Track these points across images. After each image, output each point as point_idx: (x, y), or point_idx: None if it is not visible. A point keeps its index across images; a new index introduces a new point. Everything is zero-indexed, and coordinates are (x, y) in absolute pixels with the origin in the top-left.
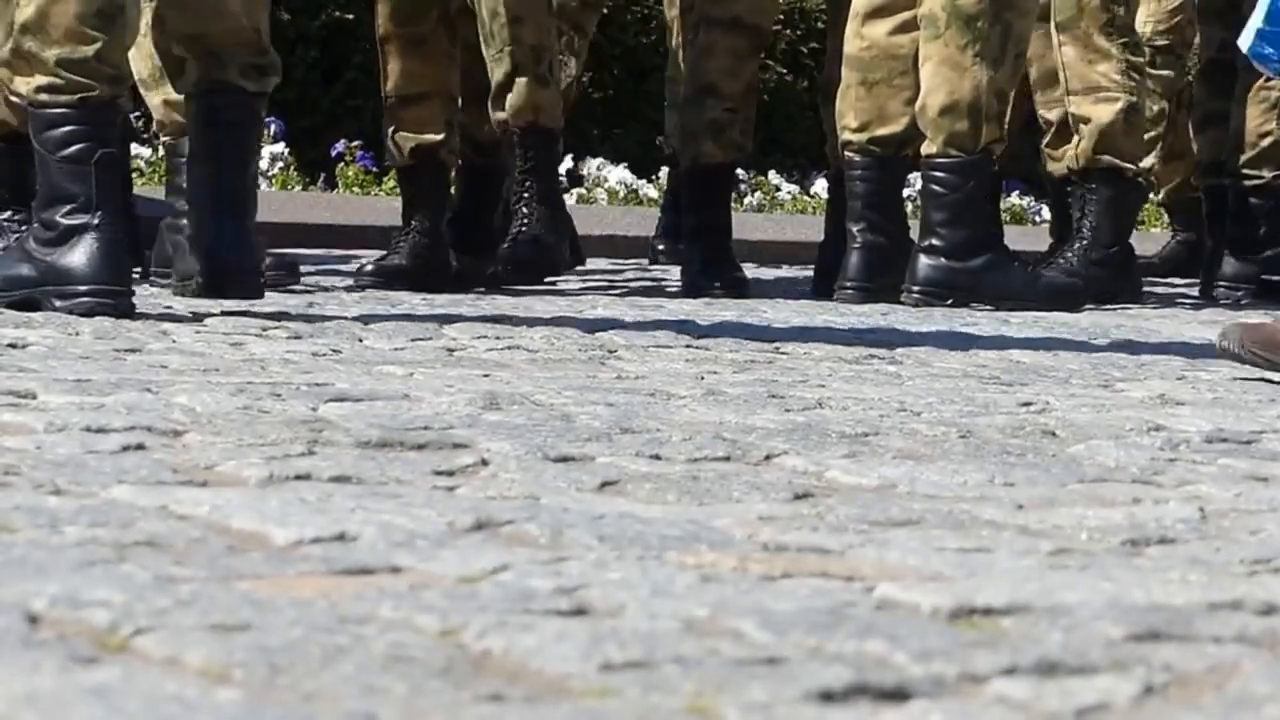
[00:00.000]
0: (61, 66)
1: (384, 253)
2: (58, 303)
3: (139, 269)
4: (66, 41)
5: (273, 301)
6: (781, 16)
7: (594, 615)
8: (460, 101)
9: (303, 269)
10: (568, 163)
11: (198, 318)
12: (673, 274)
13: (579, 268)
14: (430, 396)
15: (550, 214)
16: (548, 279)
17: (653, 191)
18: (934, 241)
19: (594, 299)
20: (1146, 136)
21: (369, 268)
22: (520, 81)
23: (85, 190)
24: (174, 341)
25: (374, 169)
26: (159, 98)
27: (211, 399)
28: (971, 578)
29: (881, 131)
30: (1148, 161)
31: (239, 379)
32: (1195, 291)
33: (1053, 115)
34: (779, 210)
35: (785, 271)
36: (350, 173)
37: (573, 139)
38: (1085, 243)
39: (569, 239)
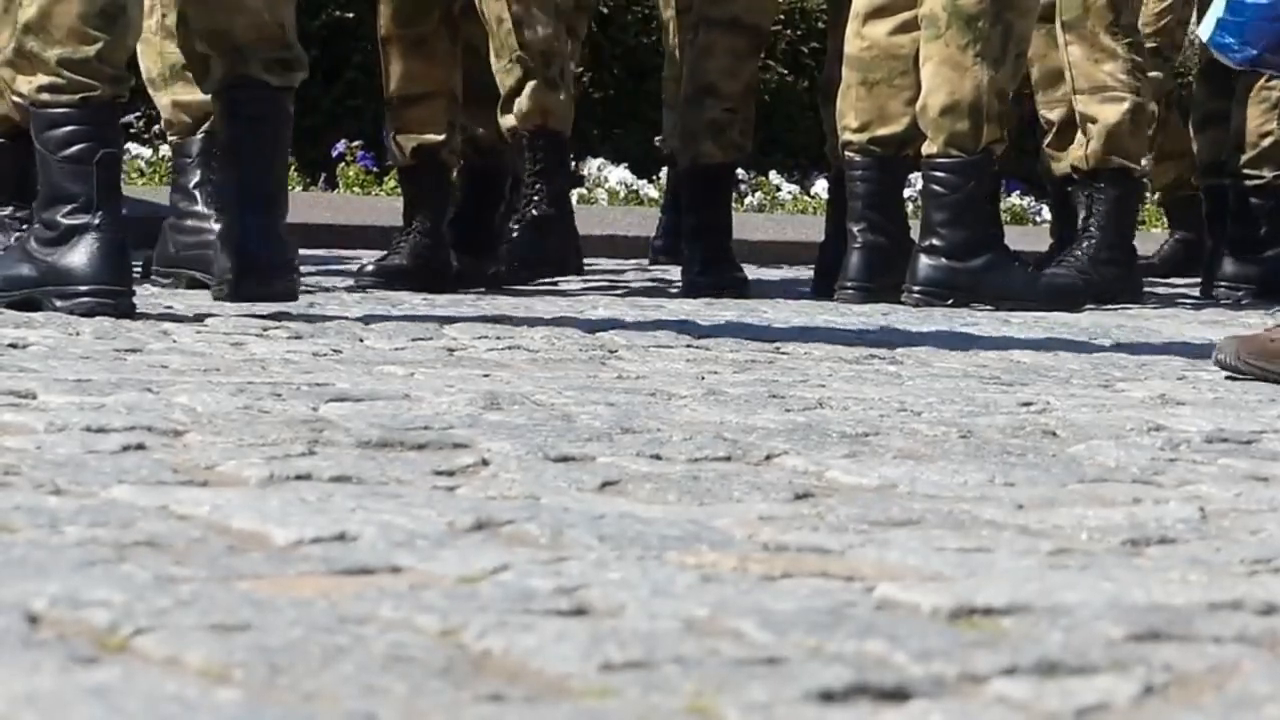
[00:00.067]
0: (63, 66)
1: (385, 253)
2: (58, 303)
3: (137, 269)
4: (68, 41)
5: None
6: (781, 16)
7: (594, 615)
8: (462, 102)
9: (303, 269)
10: None
11: (198, 318)
12: (673, 274)
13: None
14: (431, 396)
15: (559, 217)
16: (550, 279)
17: (653, 191)
18: (934, 241)
19: (594, 299)
20: None
21: (370, 268)
22: (530, 85)
23: (86, 190)
24: (174, 341)
25: (374, 169)
26: (167, 98)
27: (212, 399)
28: (971, 578)
29: (882, 131)
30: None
31: (239, 379)
32: (1195, 291)
33: (1054, 115)
34: (779, 210)
35: (785, 271)
36: (351, 173)
37: (573, 139)
38: (1094, 242)
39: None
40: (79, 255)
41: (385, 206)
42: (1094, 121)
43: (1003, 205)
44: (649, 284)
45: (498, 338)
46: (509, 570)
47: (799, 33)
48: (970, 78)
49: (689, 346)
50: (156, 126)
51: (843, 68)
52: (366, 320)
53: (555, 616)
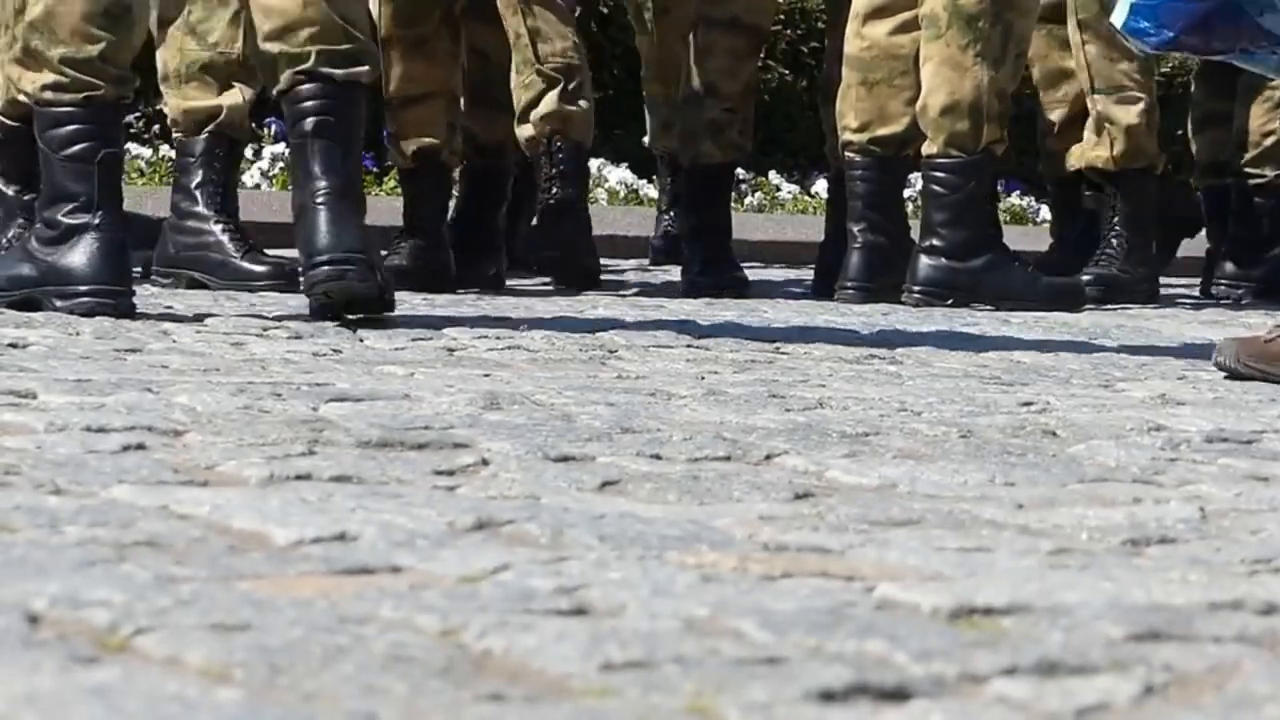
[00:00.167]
0: (66, 65)
1: (385, 253)
2: (58, 302)
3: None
4: (72, 40)
5: (273, 301)
6: (781, 16)
7: (594, 615)
8: (464, 103)
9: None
10: None
11: (198, 318)
12: (673, 274)
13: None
14: (431, 396)
15: (576, 217)
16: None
17: (653, 191)
18: (935, 242)
19: (594, 299)
20: None
21: None
22: (549, 96)
23: (88, 190)
24: (174, 341)
25: (374, 169)
26: (178, 96)
27: (212, 399)
28: (971, 578)
29: (882, 131)
30: None
31: (239, 379)
32: (1195, 291)
33: (1055, 115)
34: (779, 210)
35: (785, 271)
36: None
37: None
38: (1125, 244)
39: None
40: (79, 255)
41: (385, 206)
42: (1113, 122)
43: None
44: (649, 284)
45: (497, 337)
46: (509, 570)
47: (799, 33)
48: (970, 78)
49: (689, 346)
50: (156, 126)
51: (842, 68)
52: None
53: (555, 616)
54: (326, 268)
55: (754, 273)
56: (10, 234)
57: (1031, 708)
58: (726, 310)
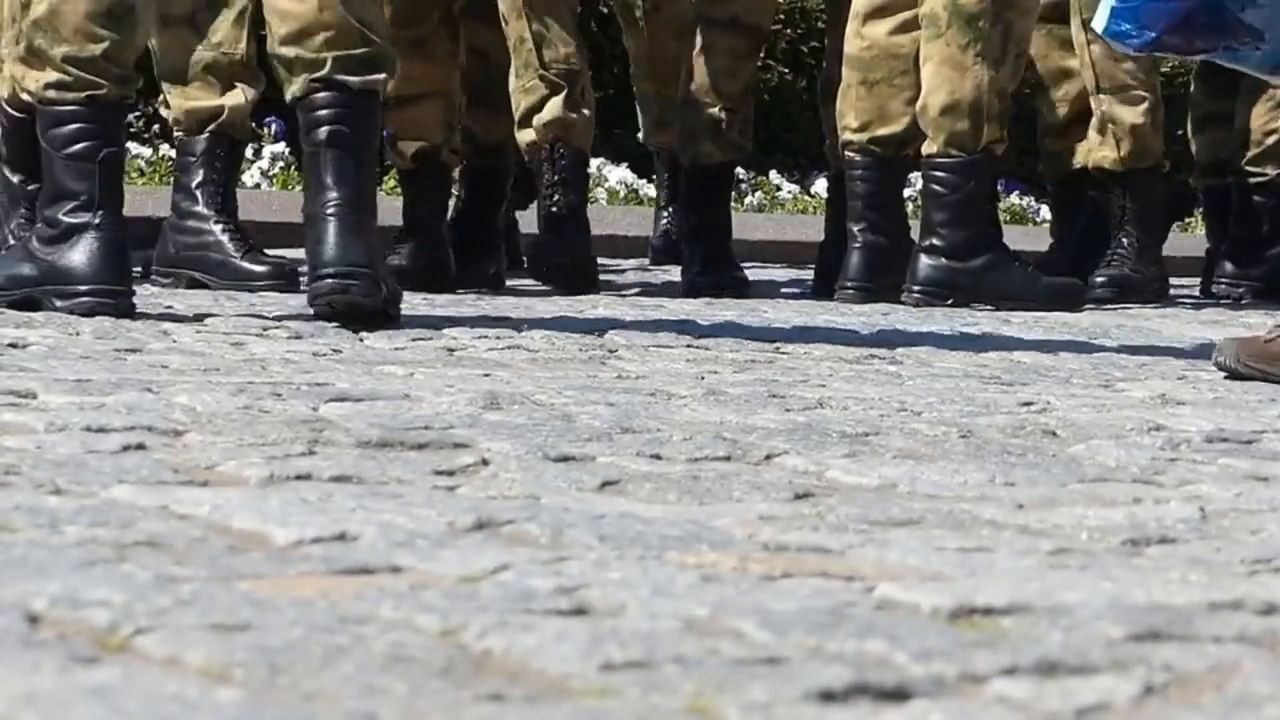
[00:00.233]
0: (69, 64)
1: (384, 252)
2: (58, 302)
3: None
4: (75, 39)
5: (273, 301)
6: (781, 16)
7: (594, 615)
8: (465, 103)
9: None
10: None
11: (198, 318)
12: (673, 274)
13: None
14: (431, 396)
15: (576, 224)
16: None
17: (653, 191)
18: (935, 241)
19: (594, 299)
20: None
21: None
22: (551, 103)
23: (89, 189)
24: (174, 341)
25: None
26: (180, 96)
27: (212, 399)
28: (971, 578)
29: (882, 131)
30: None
31: (239, 379)
32: (1195, 291)
33: (1056, 115)
34: (779, 210)
35: (785, 271)
36: None
37: None
38: (1136, 243)
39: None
40: (79, 255)
41: (385, 206)
42: (1118, 123)
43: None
44: (649, 284)
45: (497, 337)
46: (509, 570)
47: (799, 32)
48: (971, 77)
49: (689, 346)
50: (156, 126)
51: (842, 67)
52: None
53: (555, 616)
54: (330, 281)
55: (754, 273)
56: (13, 224)
57: (1031, 708)
58: (726, 310)
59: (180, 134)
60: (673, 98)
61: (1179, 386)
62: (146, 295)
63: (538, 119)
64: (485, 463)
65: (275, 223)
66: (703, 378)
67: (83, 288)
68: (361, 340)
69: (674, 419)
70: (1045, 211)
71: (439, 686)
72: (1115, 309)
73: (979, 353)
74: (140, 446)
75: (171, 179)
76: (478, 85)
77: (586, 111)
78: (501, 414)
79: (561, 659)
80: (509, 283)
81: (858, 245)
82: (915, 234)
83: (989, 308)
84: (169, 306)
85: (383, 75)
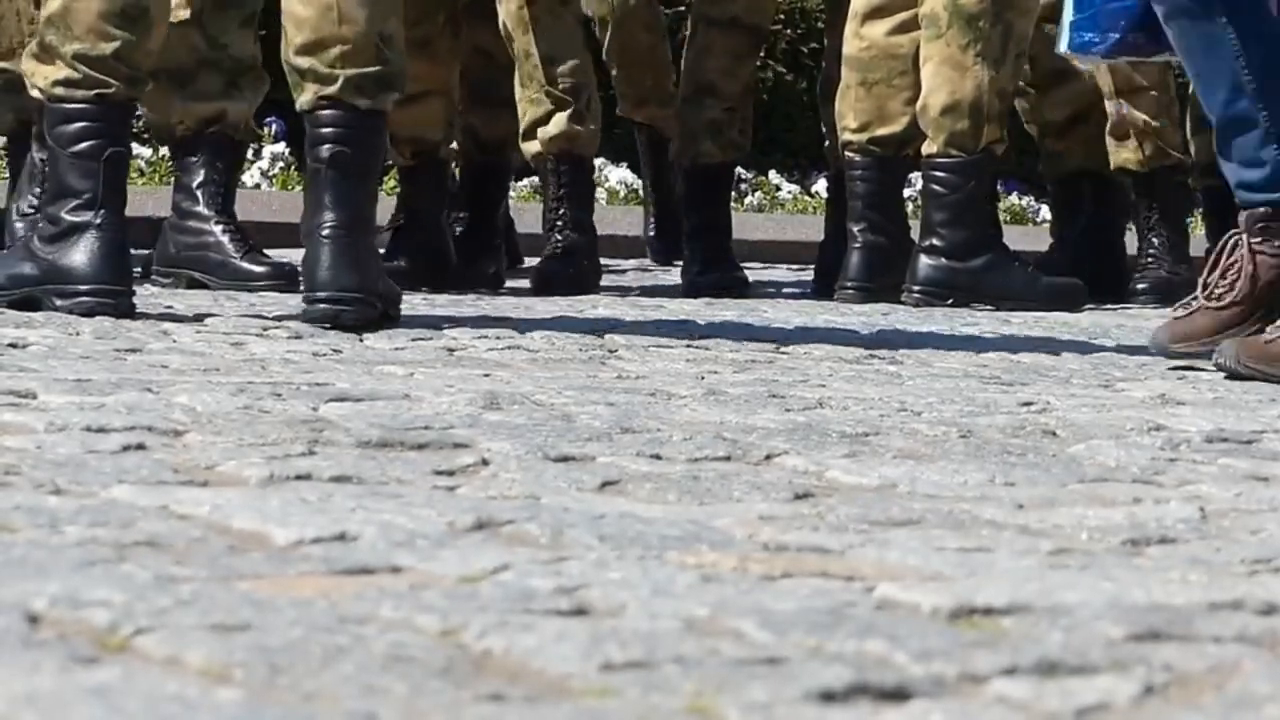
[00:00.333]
0: (79, 61)
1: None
2: (58, 302)
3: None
4: (86, 37)
5: (273, 301)
6: (781, 16)
7: (594, 615)
8: (467, 102)
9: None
10: None
11: (198, 318)
12: (673, 274)
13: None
14: (431, 396)
15: (584, 241)
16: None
17: None
18: (934, 241)
19: (594, 299)
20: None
21: None
22: (559, 117)
23: (92, 188)
24: (174, 341)
25: None
26: (182, 94)
27: (212, 399)
28: (971, 578)
29: (882, 131)
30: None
31: (239, 379)
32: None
33: (1056, 115)
34: (779, 210)
35: (785, 271)
36: None
37: None
38: (1167, 243)
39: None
40: (80, 254)
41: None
42: (1137, 124)
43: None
44: (649, 284)
45: (497, 337)
46: (509, 570)
47: (799, 32)
48: (971, 78)
49: (689, 346)
50: None
51: (841, 68)
52: None
53: (555, 616)
54: (323, 306)
55: (754, 273)
56: (23, 203)
57: (1031, 708)
58: (726, 310)
59: (182, 134)
60: (643, 80)
61: (1179, 386)
62: (146, 295)
63: (543, 132)
64: (485, 463)
65: (275, 223)
66: (703, 378)
67: (83, 287)
68: (361, 340)
69: (674, 419)
70: (1045, 211)
71: (439, 686)
72: (1115, 309)
73: (979, 353)
74: (140, 446)
75: (172, 179)
76: (481, 84)
77: (592, 125)
78: (501, 414)
79: (561, 659)
80: (508, 283)
81: (858, 245)
82: (915, 234)
83: (989, 308)
84: (169, 306)
85: (394, 95)
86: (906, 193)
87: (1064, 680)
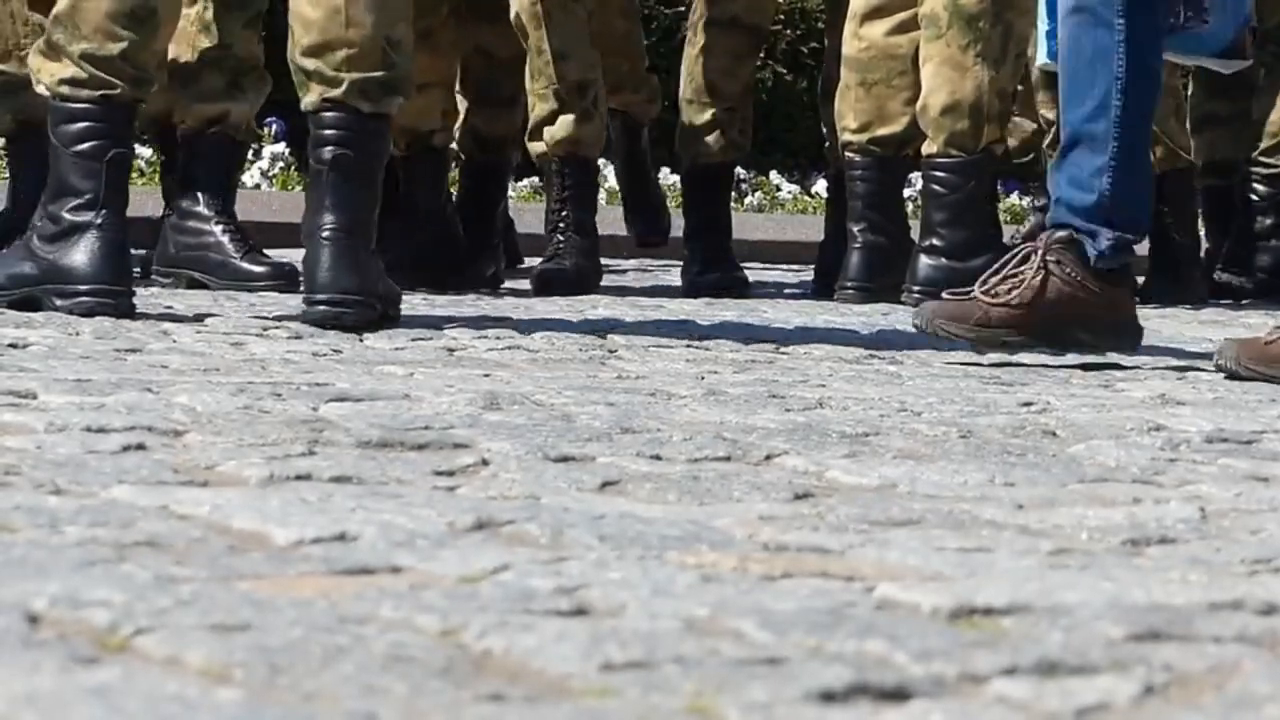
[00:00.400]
0: (86, 60)
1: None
2: (58, 302)
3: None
4: (94, 37)
5: (273, 301)
6: (781, 16)
7: (594, 615)
8: (468, 101)
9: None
10: None
11: (198, 318)
12: (673, 274)
13: None
14: (431, 396)
15: (586, 244)
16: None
17: None
18: (934, 241)
19: (594, 299)
20: None
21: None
22: (565, 118)
23: (94, 187)
24: (174, 341)
25: None
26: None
27: (212, 399)
28: (971, 578)
29: (881, 132)
30: None
31: (239, 379)
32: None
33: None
34: (779, 210)
35: (785, 272)
36: None
37: None
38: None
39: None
40: (80, 254)
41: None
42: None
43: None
44: (649, 284)
45: (497, 338)
46: (509, 570)
47: (799, 32)
48: (971, 78)
49: (689, 346)
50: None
51: (841, 68)
52: None
53: (555, 616)
54: (323, 308)
55: (754, 273)
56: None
57: (1031, 708)
58: (726, 310)
59: (184, 133)
60: (619, 66)
61: (1179, 386)
62: (146, 295)
63: (549, 133)
64: (485, 463)
65: (275, 223)
66: (703, 378)
67: (83, 287)
68: (361, 340)
69: (674, 419)
70: None
71: (439, 686)
72: None
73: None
74: (140, 446)
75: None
76: (482, 83)
77: (598, 123)
78: (501, 414)
79: (561, 659)
80: (508, 283)
81: (858, 245)
82: (915, 234)
83: None
84: (169, 306)
85: (399, 99)
86: (906, 193)
87: (1064, 680)
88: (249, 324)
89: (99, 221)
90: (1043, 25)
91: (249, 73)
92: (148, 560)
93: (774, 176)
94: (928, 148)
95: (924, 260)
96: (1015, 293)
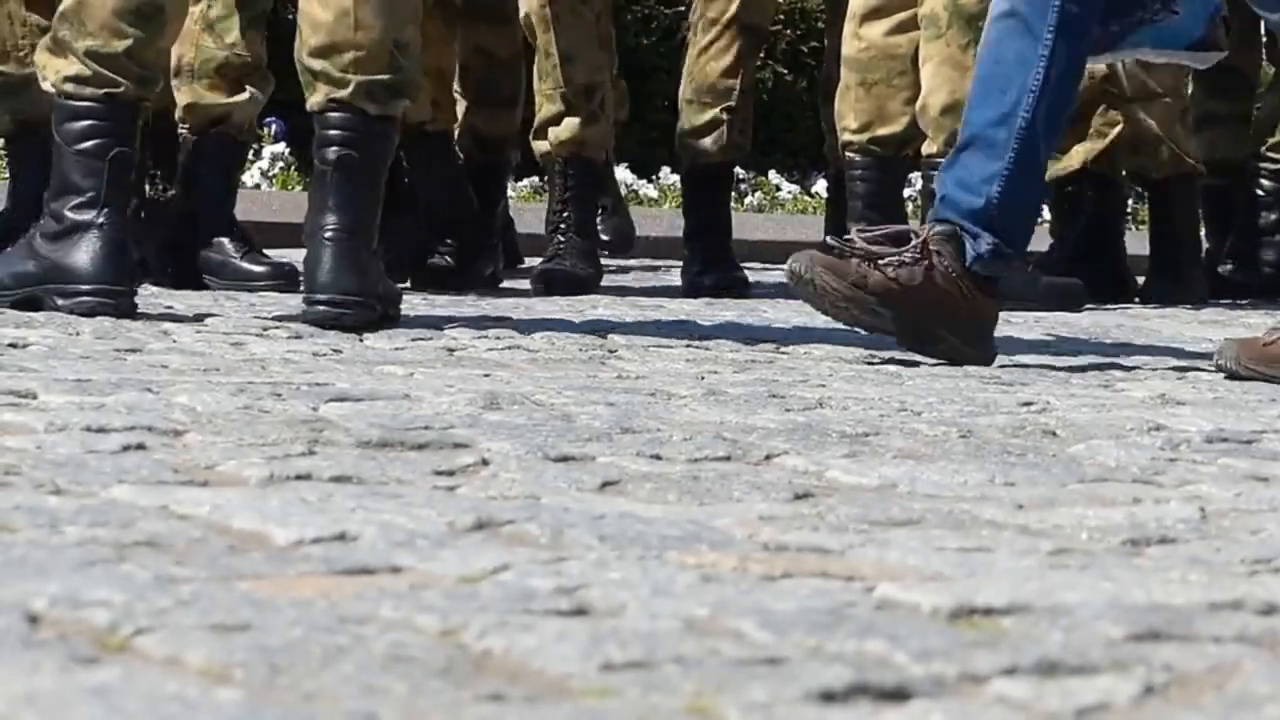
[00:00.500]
0: (91, 58)
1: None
2: (59, 301)
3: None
4: (100, 34)
5: (273, 301)
6: (781, 16)
7: (594, 615)
8: (468, 102)
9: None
10: None
11: (198, 318)
12: (673, 274)
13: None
14: (431, 396)
15: (586, 245)
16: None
17: (653, 191)
18: None
19: (594, 299)
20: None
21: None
22: (570, 120)
23: (96, 186)
24: (175, 341)
25: None
26: (189, 94)
27: (212, 399)
28: (971, 578)
29: (881, 132)
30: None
31: (239, 379)
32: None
33: None
34: (779, 210)
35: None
36: None
37: None
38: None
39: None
40: (81, 254)
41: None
42: (1153, 132)
43: None
44: (649, 284)
45: (497, 337)
46: (509, 570)
47: (799, 32)
48: (971, 77)
49: (689, 346)
50: None
51: (841, 68)
52: None
53: (555, 616)
54: (323, 308)
55: (754, 273)
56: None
57: (1031, 708)
58: (726, 310)
59: (184, 130)
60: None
61: (1179, 386)
62: (146, 295)
63: (554, 133)
64: (485, 463)
65: (275, 223)
66: (703, 378)
67: (84, 287)
68: (361, 340)
69: (674, 419)
70: (1045, 211)
71: (439, 686)
72: (1115, 309)
73: None
74: (140, 446)
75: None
76: (482, 83)
77: (604, 125)
78: (501, 414)
79: (561, 659)
80: (507, 283)
81: None
82: None
83: None
84: (169, 306)
85: (404, 102)
86: (906, 193)
87: (1064, 680)
88: (249, 324)
89: (100, 221)
90: None
91: (252, 73)
92: (148, 560)
93: (774, 176)
94: (928, 148)
95: None
96: (900, 270)
